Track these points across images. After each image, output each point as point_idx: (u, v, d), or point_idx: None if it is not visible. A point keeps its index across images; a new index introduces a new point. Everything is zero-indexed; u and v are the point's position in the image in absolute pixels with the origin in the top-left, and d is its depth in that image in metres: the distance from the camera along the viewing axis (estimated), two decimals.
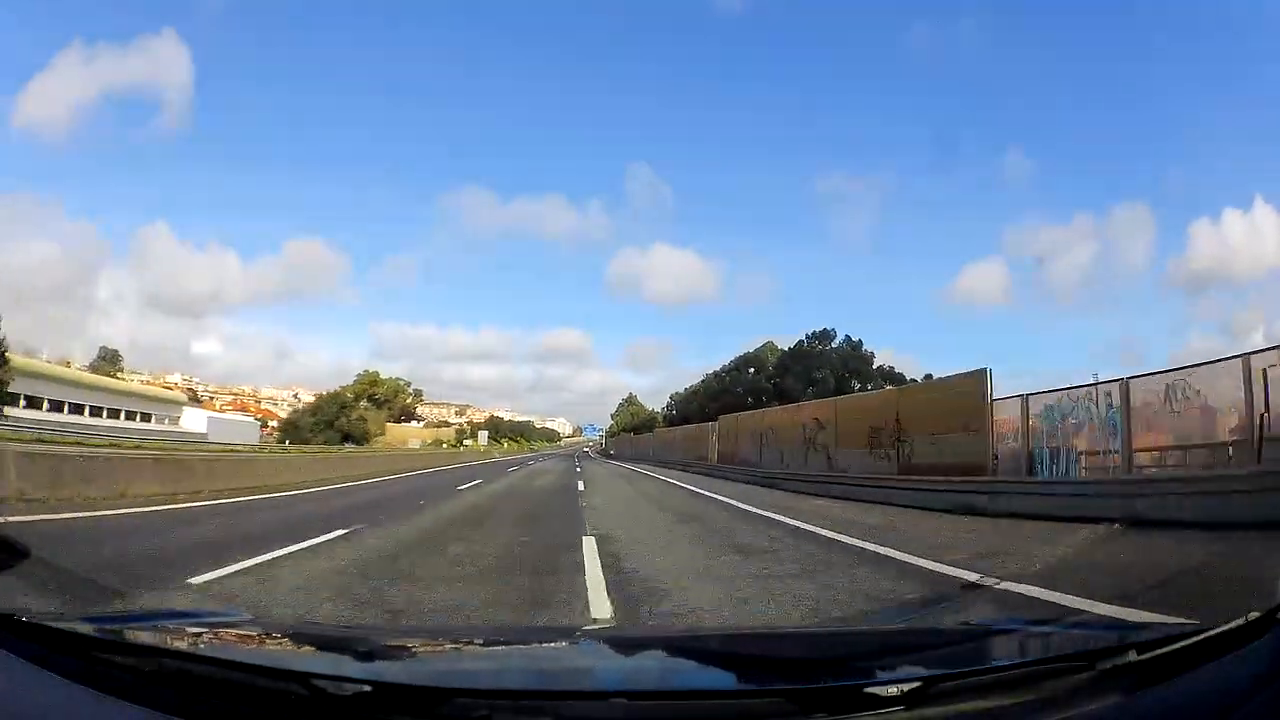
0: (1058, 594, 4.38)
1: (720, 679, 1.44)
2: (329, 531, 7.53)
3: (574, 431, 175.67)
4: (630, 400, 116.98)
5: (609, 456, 65.82)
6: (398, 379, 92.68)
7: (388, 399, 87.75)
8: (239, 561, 5.51)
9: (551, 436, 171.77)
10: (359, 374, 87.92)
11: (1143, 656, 1.08)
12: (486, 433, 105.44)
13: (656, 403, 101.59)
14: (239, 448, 33.09)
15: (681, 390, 79.32)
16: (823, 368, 53.57)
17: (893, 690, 1.01)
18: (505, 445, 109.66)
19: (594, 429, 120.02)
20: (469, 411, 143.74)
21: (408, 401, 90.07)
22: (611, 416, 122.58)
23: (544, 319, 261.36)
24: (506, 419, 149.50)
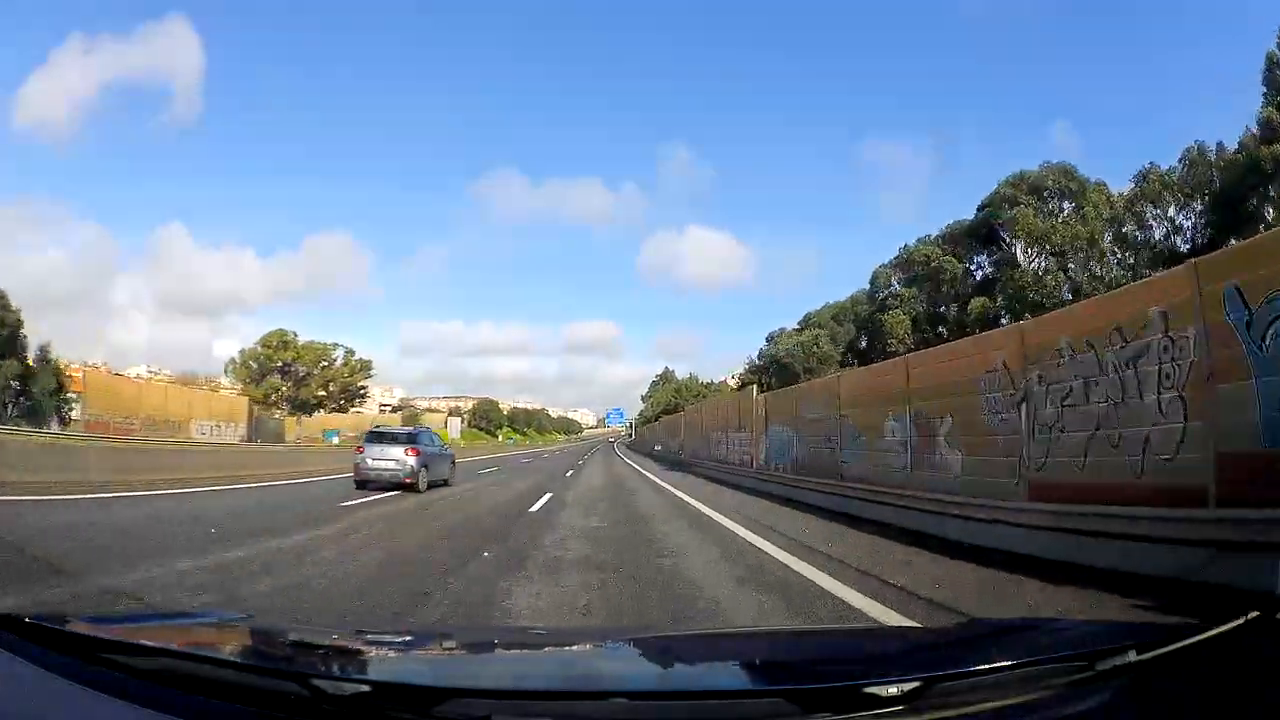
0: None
1: (720, 679, 1.44)
2: None
3: (597, 422, 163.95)
4: (666, 377, 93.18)
5: (650, 454, 41.27)
6: (333, 344, 61.98)
7: (310, 371, 59.34)
8: None
9: (571, 428, 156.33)
10: (265, 334, 58.24)
11: (1143, 656, 1.08)
12: (459, 421, 78.35)
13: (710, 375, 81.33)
14: None
15: (783, 330, 46.50)
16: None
17: (893, 690, 1.01)
18: (502, 438, 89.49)
19: (619, 415, 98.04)
20: (538, 417, 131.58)
21: (347, 377, 62.54)
22: (643, 398, 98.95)
23: (573, 311, 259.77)
24: (507, 408, 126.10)
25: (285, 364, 58.54)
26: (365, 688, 1.01)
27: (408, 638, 2.17)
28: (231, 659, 1.22)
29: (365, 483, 13.77)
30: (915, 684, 1.02)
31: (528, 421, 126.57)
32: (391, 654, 1.65)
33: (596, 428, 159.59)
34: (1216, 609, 1.09)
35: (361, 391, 68.36)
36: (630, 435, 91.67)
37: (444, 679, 1.30)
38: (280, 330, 60.39)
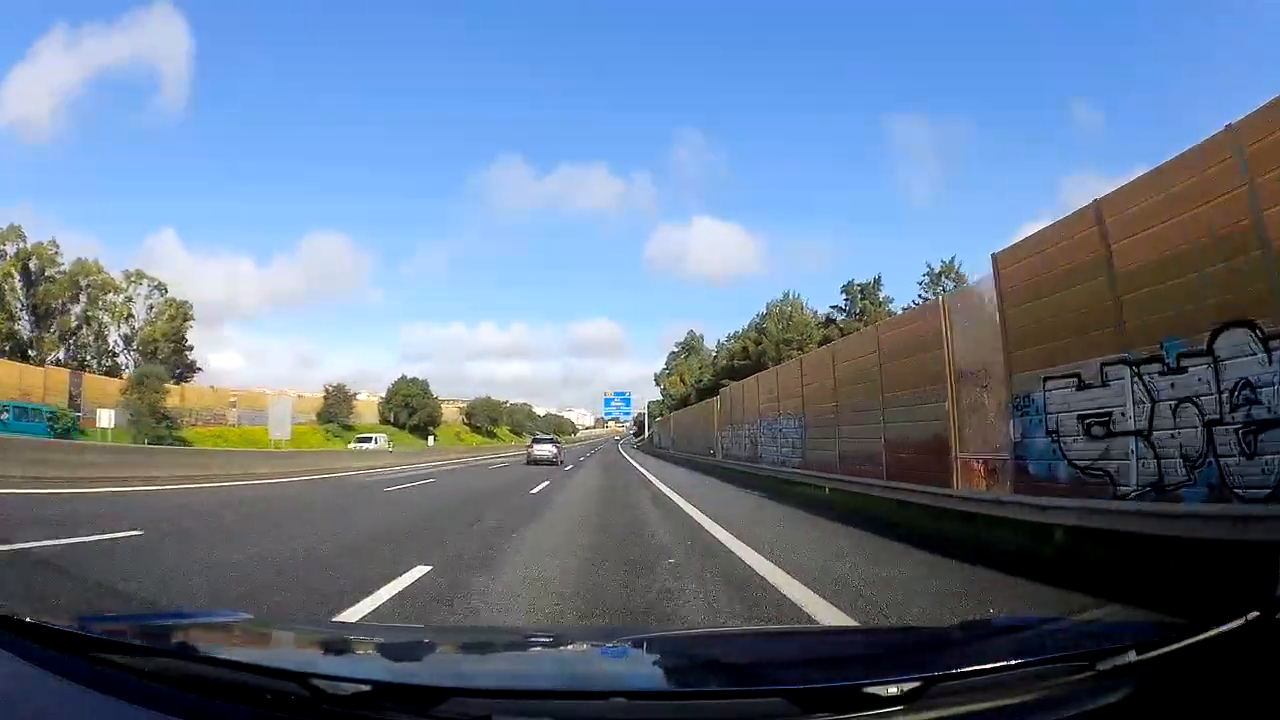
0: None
1: (720, 679, 1.44)
2: None
3: (595, 422, 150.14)
4: (691, 346, 68.30)
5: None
6: (133, 275, 37.54)
7: (65, 305, 34.39)
8: None
9: (562, 428, 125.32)
10: None
11: (1143, 656, 1.08)
12: (286, 408, 34.68)
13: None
14: None
15: None
16: None
17: (893, 690, 1.01)
18: (432, 442, 53.12)
19: (625, 403, 72.09)
20: (514, 414, 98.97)
21: (150, 328, 37.43)
22: (658, 380, 72.24)
23: (574, 311, 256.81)
24: (459, 405, 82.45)
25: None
26: (365, 687, 1.01)
27: (407, 637, 2.17)
28: (231, 659, 1.22)
29: (532, 462, 28.14)
30: (915, 684, 1.02)
31: (493, 417, 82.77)
32: (391, 653, 1.65)
33: (594, 427, 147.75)
34: (1217, 609, 1.09)
35: (184, 357, 39.73)
36: (642, 433, 72.61)
37: (444, 678, 1.30)
38: (14, 227, 32.28)
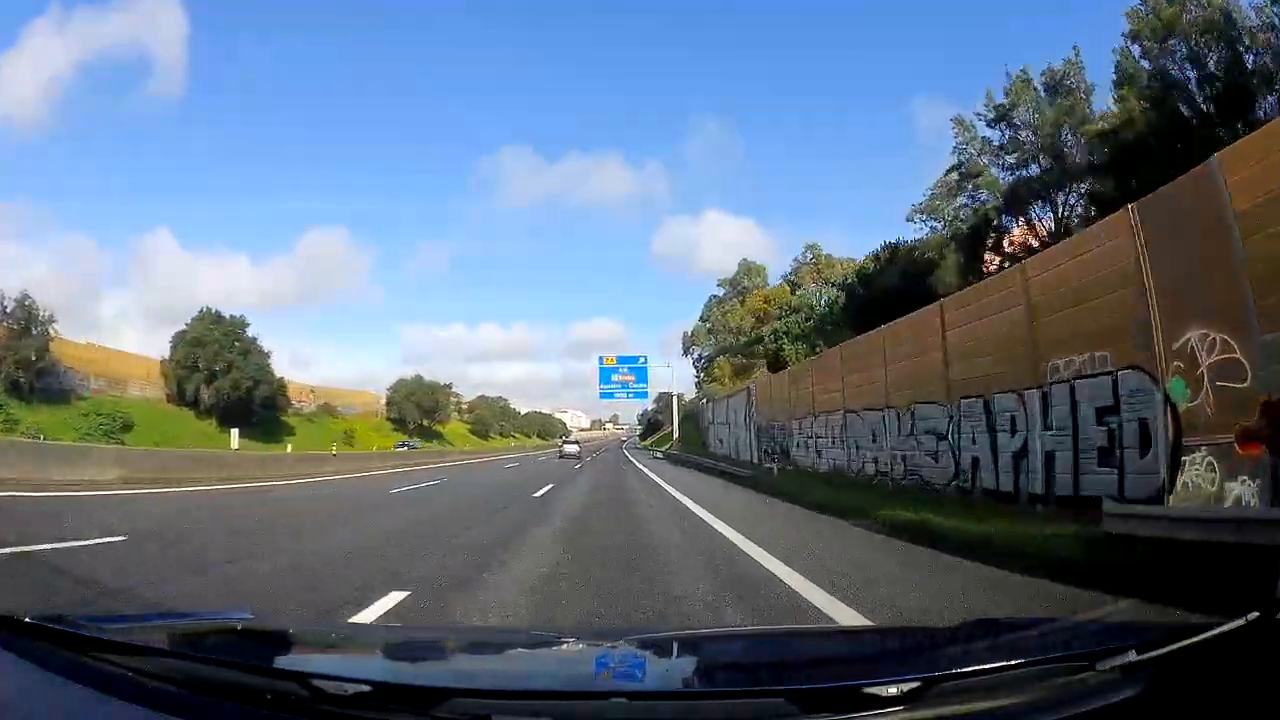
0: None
1: (720, 679, 1.44)
2: None
3: (592, 424, 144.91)
4: (746, 284, 47.29)
5: None
6: None
7: None
8: None
9: (550, 429, 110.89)
10: None
11: (1143, 656, 1.08)
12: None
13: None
14: None
15: None
16: None
17: (893, 690, 1.01)
18: (335, 449, 33.69)
19: (637, 377, 46.86)
20: (477, 408, 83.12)
21: None
22: (689, 344, 51.27)
23: (577, 311, 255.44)
24: (373, 398, 56.38)
25: None
26: (365, 687, 1.01)
27: (408, 637, 2.17)
28: (231, 659, 1.22)
29: (563, 457, 36.87)
30: (915, 684, 1.02)
31: (428, 409, 54.76)
32: (391, 654, 1.65)
33: (591, 429, 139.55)
34: (1217, 609, 1.09)
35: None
36: (655, 432, 53.09)
37: (444, 679, 1.30)
38: None
